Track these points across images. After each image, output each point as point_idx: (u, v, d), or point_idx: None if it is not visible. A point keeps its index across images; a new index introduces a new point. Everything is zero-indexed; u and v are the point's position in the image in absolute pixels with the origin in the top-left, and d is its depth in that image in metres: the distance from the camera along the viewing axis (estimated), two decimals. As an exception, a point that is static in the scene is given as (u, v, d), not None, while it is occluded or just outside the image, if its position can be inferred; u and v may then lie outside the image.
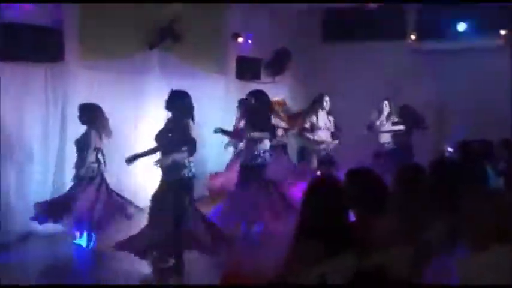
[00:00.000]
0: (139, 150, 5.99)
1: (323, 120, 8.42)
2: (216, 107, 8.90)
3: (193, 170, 5.50)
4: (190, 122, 5.49)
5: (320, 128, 8.35)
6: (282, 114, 8.39)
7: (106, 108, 6.45)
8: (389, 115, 8.91)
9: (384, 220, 3.04)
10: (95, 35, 7.30)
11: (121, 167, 6.43)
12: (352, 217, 3.13)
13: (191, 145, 5.38)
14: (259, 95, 6.79)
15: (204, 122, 7.21)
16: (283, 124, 8.45)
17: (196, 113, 5.51)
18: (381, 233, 2.94)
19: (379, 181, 3.29)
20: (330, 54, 10.70)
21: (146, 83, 8.03)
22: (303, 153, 8.72)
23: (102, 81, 7.48)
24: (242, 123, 7.41)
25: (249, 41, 9.94)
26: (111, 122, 6.44)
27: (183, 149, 5.37)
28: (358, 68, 10.25)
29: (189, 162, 5.45)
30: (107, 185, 6.34)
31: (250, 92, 6.92)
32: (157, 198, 5.54)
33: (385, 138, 8.91)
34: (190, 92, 5.66)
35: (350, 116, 8.84)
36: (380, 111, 8.92)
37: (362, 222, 3.12)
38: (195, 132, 5.50)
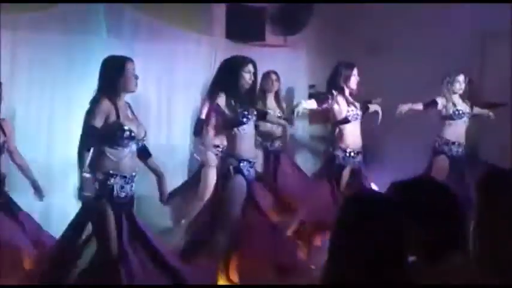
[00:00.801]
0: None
1: (351, 107, 5.81)
2: (194, 82, 6.67)
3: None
4: None
5: (349, 121, 5.77)
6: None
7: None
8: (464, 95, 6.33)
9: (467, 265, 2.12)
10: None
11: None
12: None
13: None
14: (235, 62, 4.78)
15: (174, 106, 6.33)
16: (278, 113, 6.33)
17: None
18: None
19: (453, 199, 2.20)
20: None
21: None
22: (330, 164, 5.95)
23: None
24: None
25: None
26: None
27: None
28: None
29: None
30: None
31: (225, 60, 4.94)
32: None
33: (454, 132, 6.29)
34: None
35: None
36: (449, 90, 6.27)
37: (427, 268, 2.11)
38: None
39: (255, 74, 4.72)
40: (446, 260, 2.20)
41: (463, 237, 2.28)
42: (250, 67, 4.62)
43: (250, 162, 4.70)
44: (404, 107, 6.08)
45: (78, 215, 4.12)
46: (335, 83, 5.76)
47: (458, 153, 6.24)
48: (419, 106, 6.19)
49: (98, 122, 3.86)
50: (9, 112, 5.51)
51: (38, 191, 4.89)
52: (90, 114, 3.91)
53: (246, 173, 4.64)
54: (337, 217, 2.02)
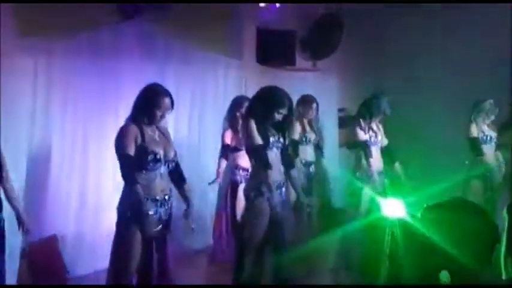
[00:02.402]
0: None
1: (377, 133, 5.92)
2: (224, 106, 6.31)
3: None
4: None
5: (368, 146, 5.83)
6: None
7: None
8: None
9: None
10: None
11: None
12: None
13: None
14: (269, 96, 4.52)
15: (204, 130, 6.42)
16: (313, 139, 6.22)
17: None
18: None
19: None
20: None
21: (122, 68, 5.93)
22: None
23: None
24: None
25: (277, 5, 7.23)
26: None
27: None
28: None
29: None
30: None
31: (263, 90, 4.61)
32: None
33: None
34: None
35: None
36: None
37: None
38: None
39: (290, 108, 4.61)
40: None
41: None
42: (285, 110, 4.43)
43: (273, 185, 4.54)
44: None
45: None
46: (370, 113, 5.79)
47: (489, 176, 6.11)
48: None
49: (131, 150, 3.80)
50: (45, 138, 5.53)
51: (22, 224, 4.25)
52: (121, 143, 3.83)
53: (267, 196, 4.48)
54: None
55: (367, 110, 5.80)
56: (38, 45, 5.33)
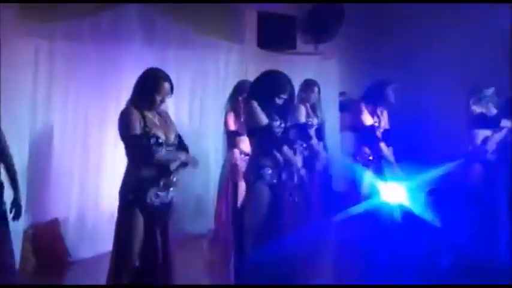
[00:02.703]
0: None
1: (381, 118, 5.82)
2: (225, 91, 6.28)
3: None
4: None
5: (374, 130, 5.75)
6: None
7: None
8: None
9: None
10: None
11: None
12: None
13: None
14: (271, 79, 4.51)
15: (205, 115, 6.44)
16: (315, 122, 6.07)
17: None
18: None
19: None
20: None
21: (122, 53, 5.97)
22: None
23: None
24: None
25: None
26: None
27: None
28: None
29: None
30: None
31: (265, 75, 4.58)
32: None
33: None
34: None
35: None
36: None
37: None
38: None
39: (290, 93, 4.61)
40: None
41: None
42: (286, 94, 4.43)
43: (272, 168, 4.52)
44: None
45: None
46: (377, 97, 5.70)
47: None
48: None
49: (137, 130, 3.78)
50: (47, 123, 5.54)
51: (18, 207, 4.17)
52: (127, 124, 3.80)
53: (267, 179, 4.46)
54: None
55: (371, 97, 5.79)
56: (38, 31, 5.31)
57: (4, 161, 4.18)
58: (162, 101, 3.94)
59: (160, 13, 6.16)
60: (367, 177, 5.68)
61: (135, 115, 3.81)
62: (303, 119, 6.02)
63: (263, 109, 4.38)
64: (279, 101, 4.40)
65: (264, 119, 4.31)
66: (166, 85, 3.92)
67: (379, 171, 5.72)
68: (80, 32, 5.60)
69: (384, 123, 5.89)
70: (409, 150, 6.13)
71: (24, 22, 5.16)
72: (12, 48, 5.05)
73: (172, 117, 4.13)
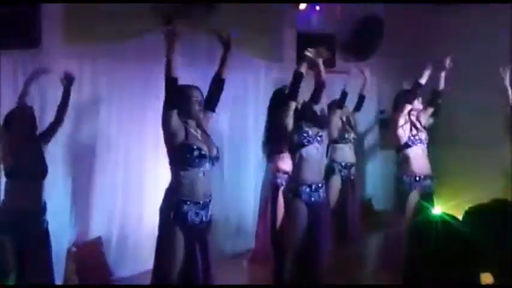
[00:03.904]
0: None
1: (414, 131, 5.46)
2: (262, 110, 6.18)
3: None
4: None
5: (410, 145, 5.37)
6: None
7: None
8: None
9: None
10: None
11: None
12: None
13: None
14: None
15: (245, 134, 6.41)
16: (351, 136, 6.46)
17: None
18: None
19: None
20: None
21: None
22: (397, 189, 5.51)
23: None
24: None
25: (317, 8, 7.13)
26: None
27: None
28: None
29: None
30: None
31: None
32: None
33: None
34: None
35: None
36: None
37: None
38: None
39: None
40: None
41: None
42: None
43: (311, 186, 4.47)
44: None
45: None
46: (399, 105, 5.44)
47: None
48: None
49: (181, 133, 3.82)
50: (91, 137, 5.59)
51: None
52: (169, 125, 3.80)
53: (305, 197, 4.42)
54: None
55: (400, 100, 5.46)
56: (82, 52, 5.38)
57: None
58: (199, 110, 3.99)
59: (202, 33, 6.18)
60: (414, 196, 5.33)
61: (176, 121, 3.84)
62: (335, 132, 5.98)
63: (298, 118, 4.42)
64: (316, 107, 4.49)
65: (289, 123, 4.38)
66: (194, 91, 4.08)
67: (425, 190, 5.38)
68: (122, 53, 5.62)
69: (425, 135, 5.45)
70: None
71: (70, 43, 5.26)
72: (57, 70, 5.13)
73: (213, 136, 4.12)
